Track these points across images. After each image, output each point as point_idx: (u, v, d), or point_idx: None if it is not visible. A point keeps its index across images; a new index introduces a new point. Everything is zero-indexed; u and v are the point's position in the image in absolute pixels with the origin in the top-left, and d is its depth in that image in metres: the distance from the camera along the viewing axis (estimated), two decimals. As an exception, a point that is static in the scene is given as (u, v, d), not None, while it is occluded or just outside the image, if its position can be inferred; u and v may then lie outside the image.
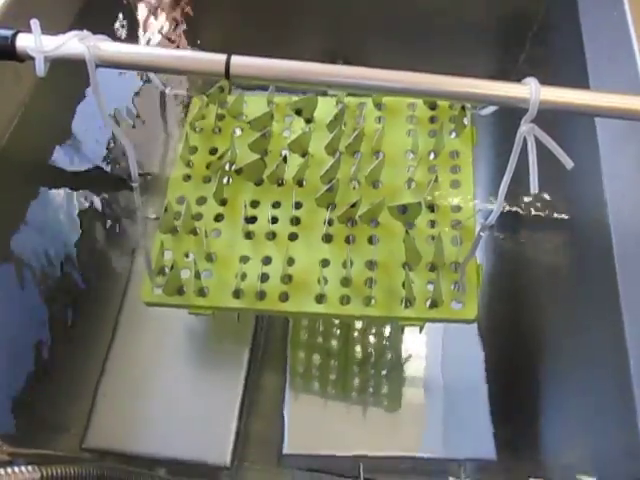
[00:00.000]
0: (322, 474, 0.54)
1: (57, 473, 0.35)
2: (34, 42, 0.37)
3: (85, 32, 0.38)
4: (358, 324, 0.60)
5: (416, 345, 0.59)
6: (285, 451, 0.53)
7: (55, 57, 0.37)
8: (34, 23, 0.36)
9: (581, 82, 0.60)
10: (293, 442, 0.54)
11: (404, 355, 0.59)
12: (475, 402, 0.55)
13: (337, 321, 0.61)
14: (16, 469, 0.32)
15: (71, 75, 0.43)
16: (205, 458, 0.53)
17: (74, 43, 0.37)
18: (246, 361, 0.58)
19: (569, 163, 0.36)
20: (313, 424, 0.55)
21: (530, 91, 0.36)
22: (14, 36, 0.38)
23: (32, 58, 0.37)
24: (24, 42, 0.38)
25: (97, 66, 0.38)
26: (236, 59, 0.38)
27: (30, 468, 0.33)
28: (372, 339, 0.59)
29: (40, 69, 0.37)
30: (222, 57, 0.38)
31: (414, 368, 0.58)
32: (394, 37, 0.78)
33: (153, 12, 0.74)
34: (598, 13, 0.62)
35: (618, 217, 0.52)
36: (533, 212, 0.64)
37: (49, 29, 0.38)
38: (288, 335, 0.59)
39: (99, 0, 0.71)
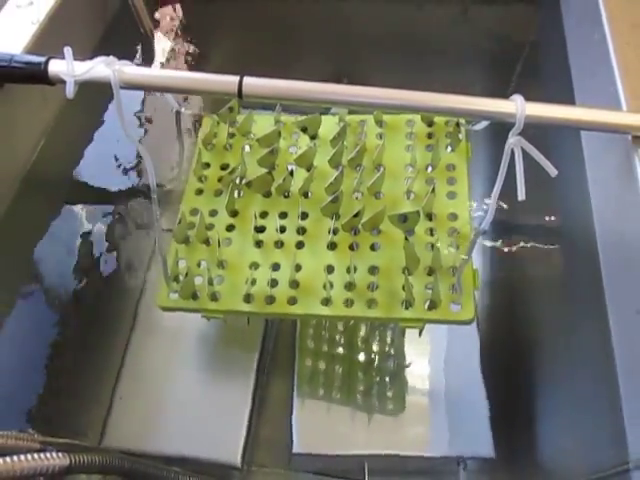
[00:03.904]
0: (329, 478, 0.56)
1: (85, 461, 0.37)
2: (66, 67, 0.40)
3: (111, 58, 0.42)
4: (362, 331, 0.62)
5: (417, 350, 0.61)
6: (295, 450, 0.55)
7: (84, 80, 0.41)
8: (67, 50, 0.40)
9: (567, 98, 0.64)
10: (302, 442, 0.56)
11: (406, 360, 0.60)
12: (474, 402, 0.57)
13: (342, 328, 0.63)
14: (47, 455, 0.34)
15: (94, 97, 0.46)
16: (217, 458, 0.55)
17: (101, 67, 0.41)
18: (255, 366, 0.60)
19: (553, 171, 0.39)
20: (320, 425, 0.57)
21: (516, 107, 0.40)
22: (47, 62, 0.42)
23: (62, 81, 0.41)
24: (56, 67, 0.42)
25: (121, 88, 0.42)
26: (248, 80, 0.41)
27: (60, 455, 0.35)
28: (375, 345, 0.61)
29: (70, 91, 0.41)
30: (235, 78, 0.42)
31: (416, 372, 0.59)
32: (394, 59, 0.82)
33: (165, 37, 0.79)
34: (582, 37, 0.66)
35: (603, 222, 0.54)
36: (523, 218, 0.67)
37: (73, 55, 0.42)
38: (295, 341, 0.61)
39: (118, 29, 0.75)
